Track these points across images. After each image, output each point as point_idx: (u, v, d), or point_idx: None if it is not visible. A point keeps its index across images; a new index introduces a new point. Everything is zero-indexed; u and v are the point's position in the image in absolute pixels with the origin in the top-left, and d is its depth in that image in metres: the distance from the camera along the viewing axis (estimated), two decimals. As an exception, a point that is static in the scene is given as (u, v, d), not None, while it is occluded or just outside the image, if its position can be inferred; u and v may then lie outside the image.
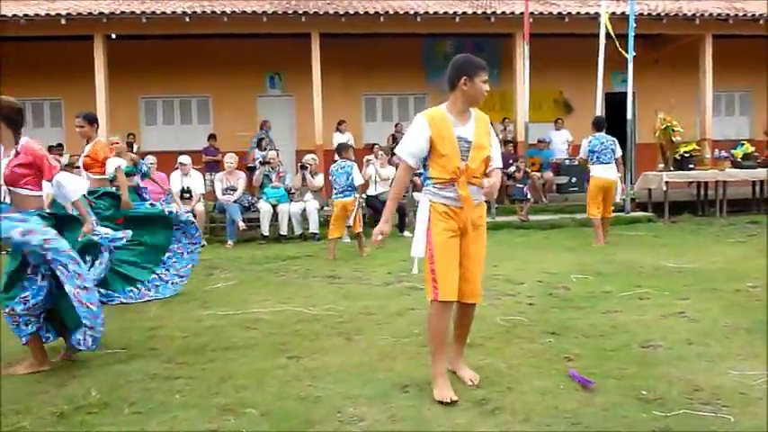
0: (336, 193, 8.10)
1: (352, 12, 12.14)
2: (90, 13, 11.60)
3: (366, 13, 12.17)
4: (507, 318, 4.65)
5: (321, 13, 12.06)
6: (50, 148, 11.71)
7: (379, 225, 3.33)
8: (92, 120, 5.92)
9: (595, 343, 4.02)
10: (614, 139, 8.37)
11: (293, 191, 9.98)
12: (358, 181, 8.17)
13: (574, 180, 12.35)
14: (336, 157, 8.36)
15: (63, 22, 11.51)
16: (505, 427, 2.83)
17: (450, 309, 3.28)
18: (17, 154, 3.78)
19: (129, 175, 6.65)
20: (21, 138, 3.83)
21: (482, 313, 4.49)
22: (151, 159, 9.59)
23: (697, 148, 11.39)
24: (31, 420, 3.00)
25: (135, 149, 11.89)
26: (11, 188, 3.79)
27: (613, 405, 3.01)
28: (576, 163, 10.89)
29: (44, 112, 13.96)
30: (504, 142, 12.86)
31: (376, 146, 11.45)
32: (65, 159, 10.94)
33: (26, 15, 11.46)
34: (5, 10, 11.68)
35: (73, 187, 3.96)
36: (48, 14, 11.54)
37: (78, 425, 2.96)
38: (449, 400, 3.09)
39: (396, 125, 13.81)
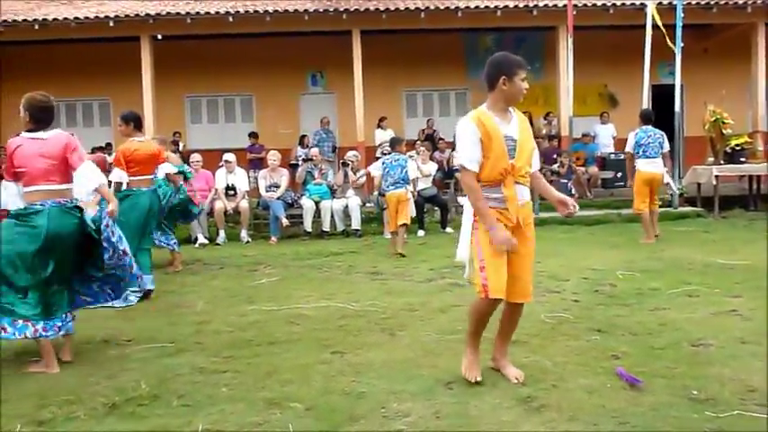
0: (388, 185, 8.12)
1: (392, 8, 12.16)
2: (137, 15, 11.88)
3: (407, 9, 12.17)
4: (552, 315, 4.59)
5: (362, 10, 12.10)
6: (100, 148, 12.05)
7: (497, 234, 3.14)
8: (128, 119, 5.92)
9: (643, 341, 3.94)
10: (663, 132, 8.15)
11: (335, 188, 10.04)
12: (412, 174, 8.28)
13: (619, 175, 12.09)
14: (389, 149, 8.50)
15: (111, 24, 11.81)
16: (551, 426, 2.79)
17: (496, 306, 3.29)
18: None
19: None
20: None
21: (526, 310, 4.41)
22: (197, 157, 9.77)
23: (749, 140, 11.06)
24: (84, 411, 3.10)
25: (181, 147, 12.16)
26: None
27: (662, 405, 2.95)
28: (622, 157, 10.66)
29: (93, 112, 14.32)
30: (549, 137, 12.72)
31: (418, 142, 11.44)
32: (112, 158, 11.21)
33: (76, 18, 11.80)
34: (56, 13, 12.07)
35: None
36: (96, 17, 11.86)
37: (129, 416, 3.05)
38: (473, 380, 3.27)
39: (428, 120, 13.76)
